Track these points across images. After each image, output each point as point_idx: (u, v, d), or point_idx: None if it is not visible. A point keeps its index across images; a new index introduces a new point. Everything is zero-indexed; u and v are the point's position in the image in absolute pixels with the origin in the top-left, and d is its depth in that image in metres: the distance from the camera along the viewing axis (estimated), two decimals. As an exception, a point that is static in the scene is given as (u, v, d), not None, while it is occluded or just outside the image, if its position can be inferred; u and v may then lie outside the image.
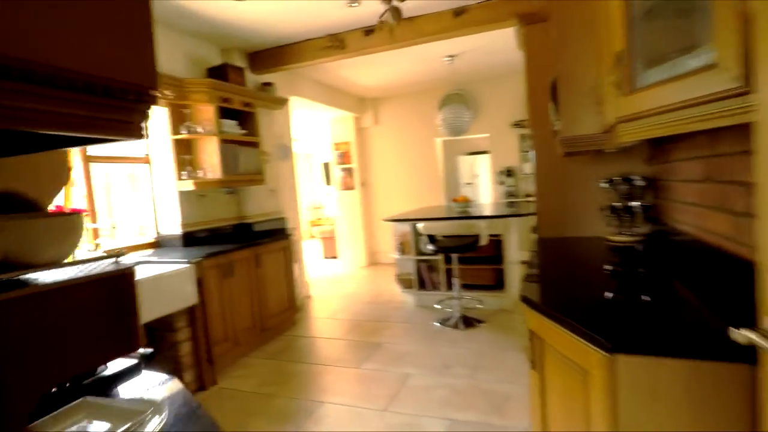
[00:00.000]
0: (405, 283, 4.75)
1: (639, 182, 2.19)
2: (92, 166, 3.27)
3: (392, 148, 7.21)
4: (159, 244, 3.72)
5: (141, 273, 2.83)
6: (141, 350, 1.11)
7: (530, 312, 1.41)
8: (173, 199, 3.69)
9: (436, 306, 4.34)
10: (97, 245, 3.18)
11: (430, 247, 3.97)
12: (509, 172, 6.35)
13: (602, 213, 2.32)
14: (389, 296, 5.13)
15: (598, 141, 1.74)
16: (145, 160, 3.72)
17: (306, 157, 12.70)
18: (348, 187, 7.23)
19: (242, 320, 3.52)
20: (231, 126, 3.88)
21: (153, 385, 0.98)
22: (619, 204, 2.23)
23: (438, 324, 4.00)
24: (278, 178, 4.79)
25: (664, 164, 2.03)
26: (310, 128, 8.44)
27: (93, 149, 3.26)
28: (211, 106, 3.64)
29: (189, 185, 3.63)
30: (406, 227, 4.71)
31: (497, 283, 4.42)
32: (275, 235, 4.13)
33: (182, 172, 3.65)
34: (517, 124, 6.21)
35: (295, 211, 5.34)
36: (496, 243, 4.34)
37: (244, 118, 4.12)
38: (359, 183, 7.19)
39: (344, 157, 7.22)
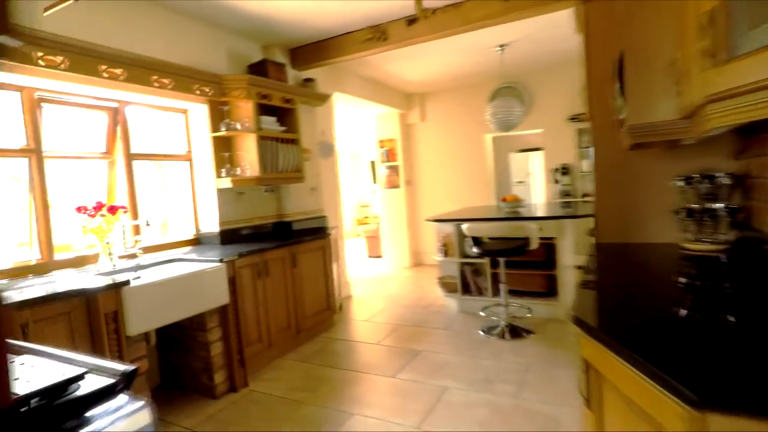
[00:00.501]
0: (448, 286, 4.50)
1: (724, 180, 1.84)
2: (135, 164, 3.31)
3: (439, 145, 6.95)
4: (198, 242, 3.72)
5: (171, 271, 2.79)
6: (122, 367, 0.98)
7: (585, 337, 1.15)
8: (212, 196, 3.67)
9: (480, 313, 4.06)
10: (136, 242, 3.21)
11: (475, 250, 3.70)
12: (565, 170, 5.90)
13: (675, 216, 1.98)
14: (431, 300, 4.90)
15: (676, 129, 1.44)
16: (186, 158, 3.73)
17: (354, 155, 12.69)
18: (393, 185, 7.05)
19: (277, 321, 3.43)
20: (270, 123, 3.81)
21: (121, 415, 0.84)
22: (698, 206, 1.88)
23: (482, 333, 3.72)
24: (319, 176, 4.69)
25: (758, 158, 1.67)
26: (356, 126, 8.35)
27: (135, 147, 3.29)
28: (250, 103, 3.58)
29: (227, 183, 3.59)
30: (449, 228, 4.47)
31: (549, 290, 4.07)
32: (314, 234, 4.02)
33: (221, 170, 3.62)
34: (574, 118, 5.75)
35: (337, 209, 5.23)
36: (549, 247, 3.99)
37: (284, 115, 4.05)
38: (404, 181, 6.99)
39: (389, 155, 7.05)
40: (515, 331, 3.63)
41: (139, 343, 2.39)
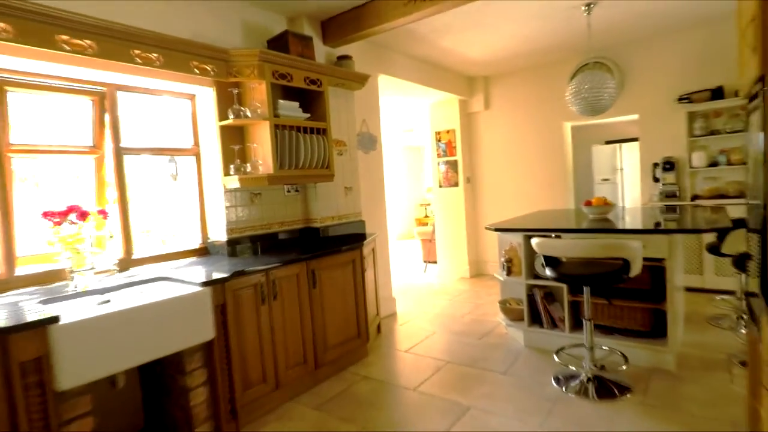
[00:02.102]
0: (511, 313, 3.57)
1: None
2: (129, 159, 2.77)
3: (506, 136, 5.93)
4: (206, 252, 3.14)
5: (148, 295, 2.18)
6: None
7: None
8: (219, 198, 3.07)
9: (554, 358, 3.09)
10: (127, 252, 2.67)
11: (549, 273, 2.76)
12: (669, 165, 4.66)
13: None
14: (490, 326, 3.98)
15: None
16: (193, 152, 3.15)
17: (413, 150, 11.88)
18: (451, 183, 6.16)
19: (288, 356, 2.75)
20: (290, 109, 3.13)
21: None
22: None
23: (555, 384, 2.78)
24: (356, 174, 3.96)
25: None
26: (411, 116, 7.53)
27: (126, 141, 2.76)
28: (263, 84, 2.92)
29: (235, 182, 2.97)
30: (515, 238, 3.53)
31: (652, 329, 3.00)
32: (349, 242, 3.29)
33: (229, 166, 3.00)
34: (685, 99, 4.49)
35: (381, 212, 4.47)
36: (654, 270, 2.93)
37: (310, 99, 3.36)
38: (464, 179, 6.06)
39: (447, 149, 6.16)
40: (604, 387, 2.65)
41: (77, 399, 1.79)
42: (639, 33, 4.59)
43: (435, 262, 6.80)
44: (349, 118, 3.89)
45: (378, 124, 4.48)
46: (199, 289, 2.20)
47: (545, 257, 2.78)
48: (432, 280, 6.28)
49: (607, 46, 4.90)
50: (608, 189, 6.83)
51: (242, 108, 2.95)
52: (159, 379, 2.39)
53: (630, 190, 6.68)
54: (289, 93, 3.30)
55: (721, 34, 4.37)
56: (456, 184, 6.10)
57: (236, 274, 2.42)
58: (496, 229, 3.38)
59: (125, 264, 2.68)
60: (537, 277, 3.37)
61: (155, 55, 2.51)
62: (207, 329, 2.22)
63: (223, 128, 2.99)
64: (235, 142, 3.04)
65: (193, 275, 2.42)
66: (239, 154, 3.03)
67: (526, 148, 5.77)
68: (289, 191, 3.49)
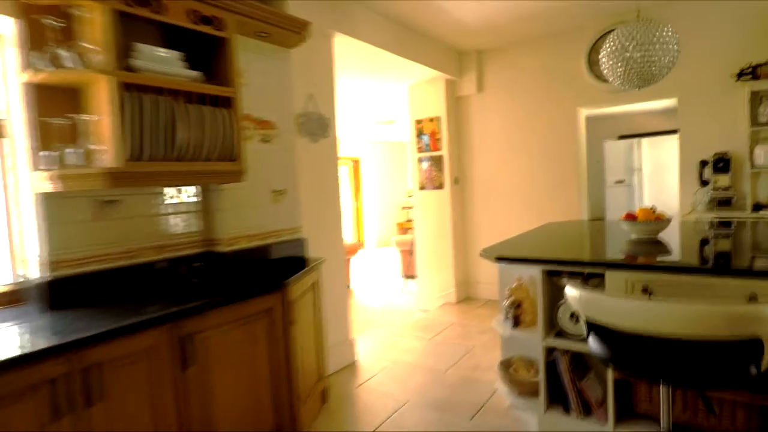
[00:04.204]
0: (519, 386, 2.35)
1: None
2: None
3: (504, 126, 4.73)
4: (18, 297, 1.86)
5: None
6: None
7: None
8: (29, 209, 1.81)
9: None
10: None
11: (598, 351, 1.55)
12: (721, 163, 3.51)
13: None
14: (485, 392, 2.78)
15: None
16: (-5, 130, 1.88)
17: (398, 146, 10.67)
18: (435, 185, 4.94)
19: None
20: (160, 60, 1.88)
21: None
22: None
23: None
24: (295, 171, 2.72)
25: None
26: (393, 104, 6.29)
27: None
28: (104, 11, 1.66)
29: (45, 182, 1.70)
30: (527, 270, 2.33)
31: (757, 432, 1.82)
32: (268, 276, 2.07)
33: (41, 155, 1.73)
34: (748, 73, 3.34)
35: (335, 225, 3.24)
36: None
37: (208, 53, 2.11)
38: (450, 179, 4.86)
39: (430, 142, 4.94)
40: None
41: None
42: (685, -13, 3.43)
43: (414, 277, 5.61)
44: (282, 90, 2.65)
45: (332, 102, 3.24)
46: None
47: (589, 322, 1.57)
48: (411, 302, 5.07)
49: (628, 7, 3.72)
50: (623, 193, 5.70)
51: (64, 52, 1.68)
52: None
53: (653, 194, 5.55)
54: (173, 39, 2.04)
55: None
56: (441, 186, 4.89)
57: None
58: (499, 260, 2.16)
59: None
60: (562, 334, 2.17)
61: None
62: None
63: (32, 88, 1.72)
64: (54, 112, 1.76)
65: None
66: (65, 134, 1.76)
67: (528, 142, 4.58)
68: (174, 198, 2.22)
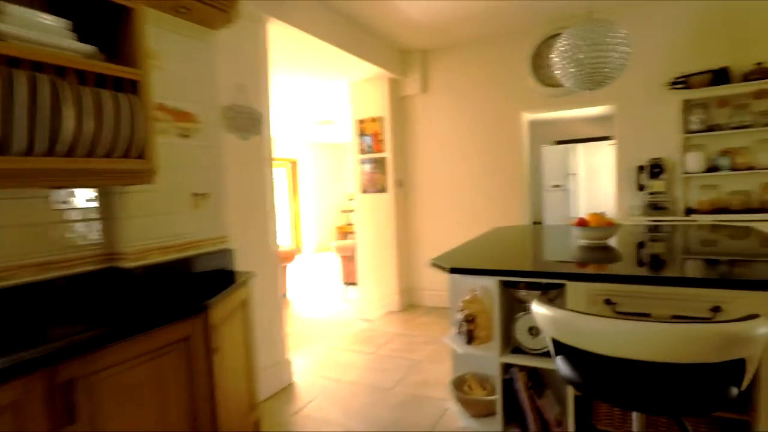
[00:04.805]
0: (473, 406, 2.17)
1: None
2: None
3: (449, 129, 4.63)
4: None
5: None
6: None
7: None
8: None
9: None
10: None
11: (567, 374, 1.39)
12: (657, 169, 3.60)
13: None
14: (435, 411, 2.58)
15: None
16: None
17: (339, 148, 10.37)
18: (377, 188, 4.73)
19: None
20: (38, 27, 1.48)
21: None
22: None
23: None
24: (221, 172, 2.36)
25: None
26: (333, 104, 6.00)
27: None
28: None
29: None
30: (479, 281, 2.17)
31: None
32: (185, 297, 1.71)
33: None
34: (681, 82, 3.45)
35: (269, 232, 2.91)
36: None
37: (112, 26, 1.72)
38: (394, 183, 4.67)
39: (373, 143, 4.72)
40: None
41: None
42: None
43: (355, 284, 5.36)
44: (206, 78, 2.29)
45: (266, 96, 2.91)
46: None
47: (557, 342, 1.41)
48: (352, 312, 4.80)
49: (576, 10, 3.75)
50: (560, 197, 5.83)
51: None
52: None
53: (588, 199, 5.73)
54: (62, 7, 1.64)
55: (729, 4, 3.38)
56: (384, 189, 4.68)
57: None
58: (454, 271, 1.97)
59: None
60: (519, 350, 2.01)
61: None
62: None
63: None
64: None
65: None
66: None
67: (473, 145, 4.51)
68: (65, 203, 1.80)
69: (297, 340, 3.85)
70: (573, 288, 1.75)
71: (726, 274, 1.70)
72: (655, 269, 1.87)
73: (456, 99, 4.54)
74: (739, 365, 1.20)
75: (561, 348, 1.41)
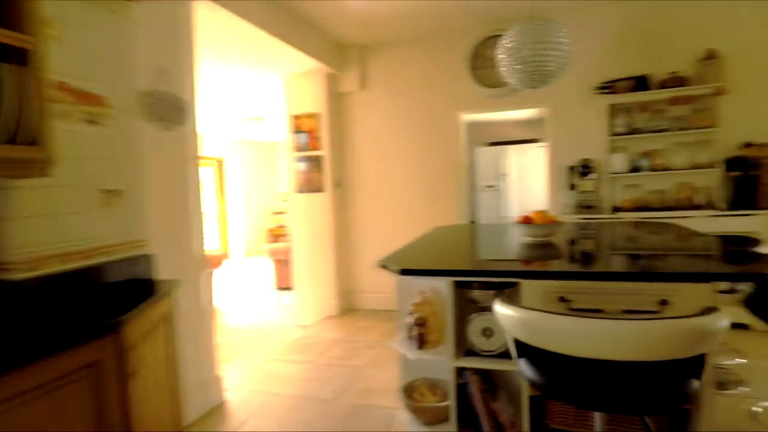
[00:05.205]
0: (425, 413, 2.07)
1: None
2: None
3: (388, 127, 4.54)
4: None
5: None
6: None
7: None
8: None
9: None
10: None
11: (532, 377, 1.32)
12: (586, 170, 3.77)
13: None
14: (381, 420, 2.45)
15: None
16: None
17: (269, 146, 9.92)
18: (313, 188, 4.52)
19: None
20: None
21: None
22: None
23: None
24: (137, 165, 2.05)
25: None
26: (262, 99, 5.67)
27: None
28: None
29: None
30: (429, 282, 2.07)
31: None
32: (91, 316, 1.42)
33: None
34: (607, 87, 3.64)
35: (195, 235, 2.61)
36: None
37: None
38: (331, 182, 4.49)
39: (309, 141, 4.51)
40: None
41: None
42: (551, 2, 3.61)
43: (290, 289, 5.11)
44: (119, 56, 1.97)
45: (191, 82, 2.61)
46: None
47: (518, 343, 1.33)
48: (287, 318, 4.54)
49: (514, 12, 3.83)
50: (492, 197, 5.98)
51: None
52: None
53: (519, 199, 5.93)
54: None
55: (646, 10, 3.62)
56: (320, 189, 4.48)
57: None
58: (405, 272, 1.84)
59: None
60: (473, 353, 1.94)
61: None
62: None
63: None
64: None
65: None
66: None
67: (412, 145, 4.46)
68: (-75, 198, 1.43)
69: (228, 353, 3.54)
70: (528, 286, 1.70)
71: (675, 268, 1.74)
72: (606, 266, 1.88)
73: (394, 97, 4.47)
74: (700, 359, 1.19)
75: (525, 349, 1.34)
